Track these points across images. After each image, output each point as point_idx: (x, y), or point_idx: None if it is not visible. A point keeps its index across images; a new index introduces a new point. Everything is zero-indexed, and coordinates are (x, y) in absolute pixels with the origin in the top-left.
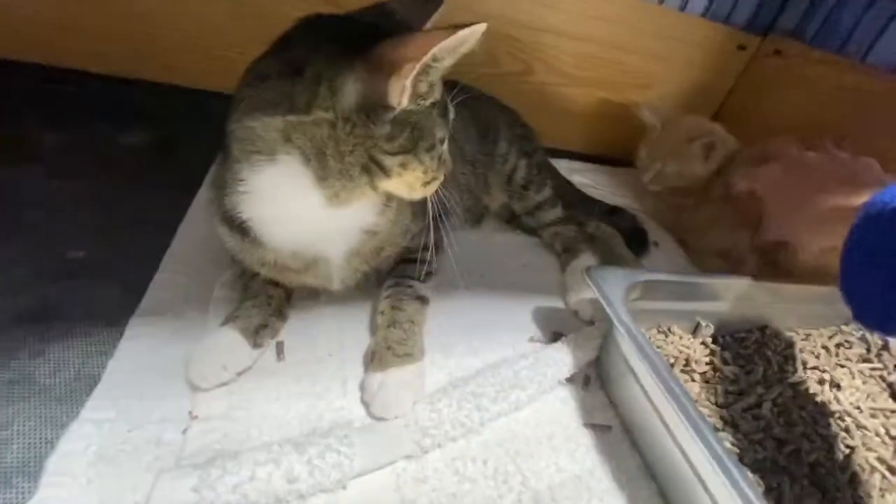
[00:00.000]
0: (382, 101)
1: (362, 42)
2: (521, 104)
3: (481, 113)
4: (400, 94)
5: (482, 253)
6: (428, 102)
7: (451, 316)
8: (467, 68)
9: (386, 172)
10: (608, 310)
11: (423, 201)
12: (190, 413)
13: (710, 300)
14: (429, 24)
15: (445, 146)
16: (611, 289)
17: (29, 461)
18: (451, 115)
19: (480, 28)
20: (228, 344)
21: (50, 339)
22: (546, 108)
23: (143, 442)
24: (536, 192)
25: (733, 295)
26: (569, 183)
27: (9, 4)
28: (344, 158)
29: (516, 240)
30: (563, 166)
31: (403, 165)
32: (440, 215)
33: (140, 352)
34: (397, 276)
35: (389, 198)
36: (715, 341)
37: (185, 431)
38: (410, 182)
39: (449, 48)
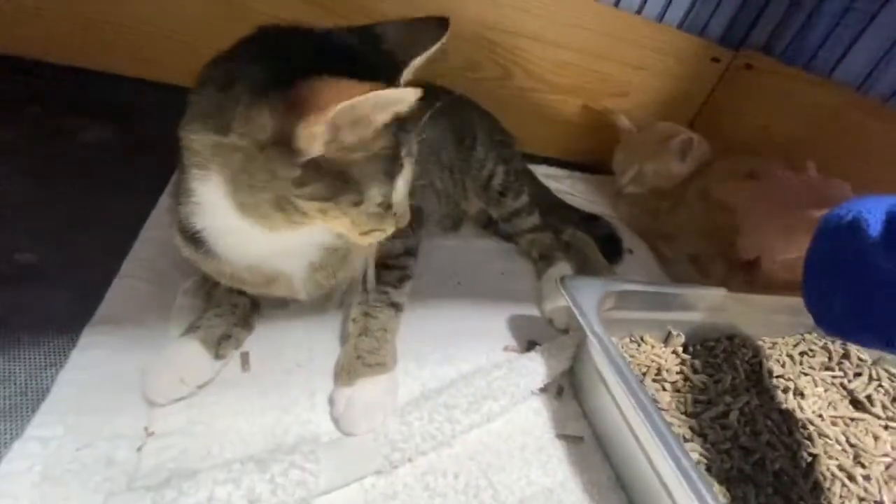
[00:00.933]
0: (292, 144)
1: (306, 70)
2: (500, 109)
3: (460, 118)
4: (311, 141)
5: (459, 259)
6: (358, 155)
7: (426, 323)
8: (447, 71)
9: (305, 215)
10: (581, 320)
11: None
12: (145, 429)
13: (682, 310)
14: (422, 58)
15: (401, 196)
16: (584, 298)
17: None
18: (407, 171)
19: (412, 94)
20: (188, 356)
21: None
22: (524, 114)
23: (93, 461)
24: (514, 199)
25: (706, 305)
26: (546, 190)
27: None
28: (255, 193)
29: (494, 246)
30: (540, 172)
31: (323, 212)
32: (414, 220)
33: (94, 363)
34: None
35: None
36: (686, 350)
37: (139, 449)
38: (341, 230)
39: (365, 106)
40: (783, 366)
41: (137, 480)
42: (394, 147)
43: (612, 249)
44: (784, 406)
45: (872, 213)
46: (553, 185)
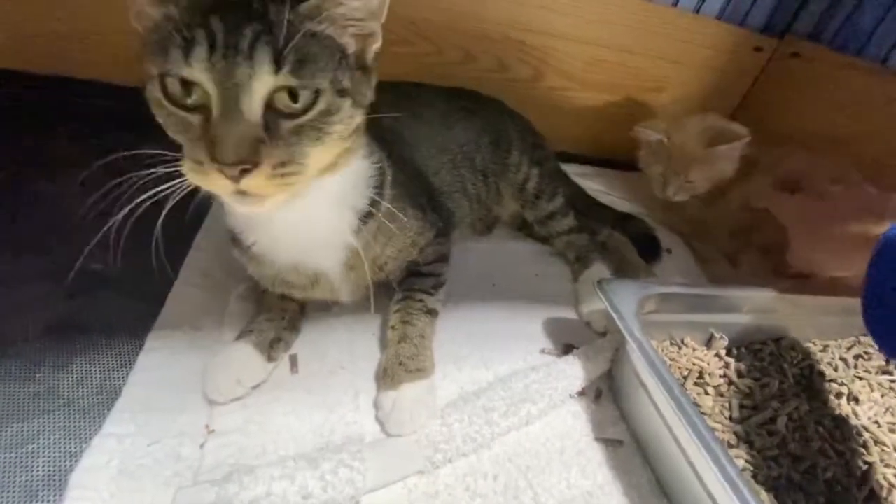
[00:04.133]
0: None
1: None
2: (531, 109)
3: (493, 121)
4: None
5: (494, 262)
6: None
7: (462, 326)
8: (477, 74)
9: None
10: (619, 323)
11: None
12: (206, 427)
13: (726, 312)
14: None
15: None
16: (622, 302)
17: (54, 474)
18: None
19: None
20: (243, 358)
21: (73, 352)
22: (556, 113)
23: (163, 456)
24: (548, 202)
25: (752, 306)
26: (580, 189)
27: (20, 20)
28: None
29: (528, 248)
30: (572, 170)
31: None
32: (446, 226)
33: (159, 365)
34: (406, 289)
35: (366, 217)
36: (729, 353)
37: (202, 446)
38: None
39: None
40: (836, 369)
41: (202, 475)
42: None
43: (649, 249)
44: (837, 412)
45: None
46: (586, 182)
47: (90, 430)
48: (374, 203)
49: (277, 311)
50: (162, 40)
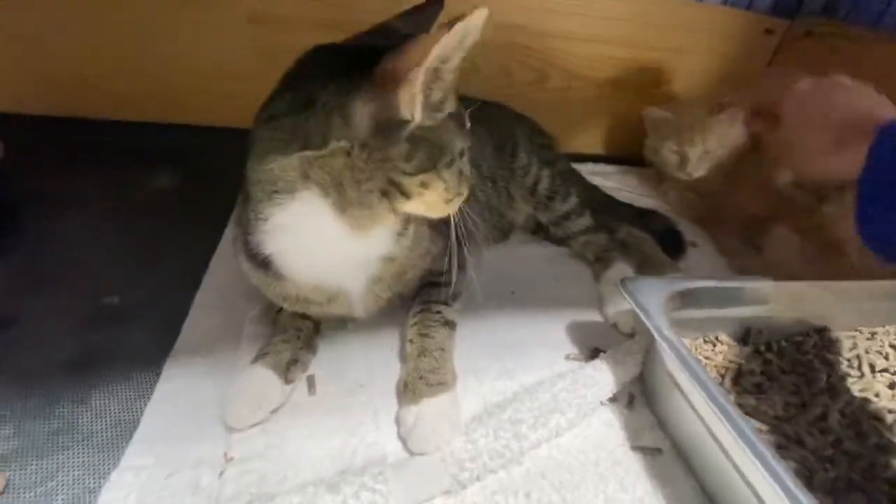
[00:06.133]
0: (395, 117)
1: (367, 63)
2: (538, 113)
3: (498, 126)
4: (411, 105)
5: (510, 268)
6: (444, 114)
7: (481, 337)
8: (480, 81)
9: (406, 194)
10: (647, 322)
11: (444, 221)
12: (225, 455)
13: (759, 304)
14: (433, 29)
15: (466, 160)
16: (648, 299)
17: None
18: (468, 126)
19: (482, 14)
20: (260, 382)
21: (91, 385)
22: (564, 115)
23: (182, 487)
24: (562, 202)
25: (784, 297)
26: (595, 188)
27: (38, 66)
28: (361, 186)
29: (545, 252)
30: (586, 170)
31: (424, 185)
32: (462, 234)
33: (176, 393)
34: (423, 302)
35: (406, 223)
36: (769, 348)
37: (221, 474)
38: (432, 202)
39: (452, 44)
40: (887, 358)
41: None
42: (457, 104)
43: (673, 244)
44: (893, 404)
45: None
46: (601, 181)
47: (108, 464)
48: (406, 223)
49: (293, 332)
50: None
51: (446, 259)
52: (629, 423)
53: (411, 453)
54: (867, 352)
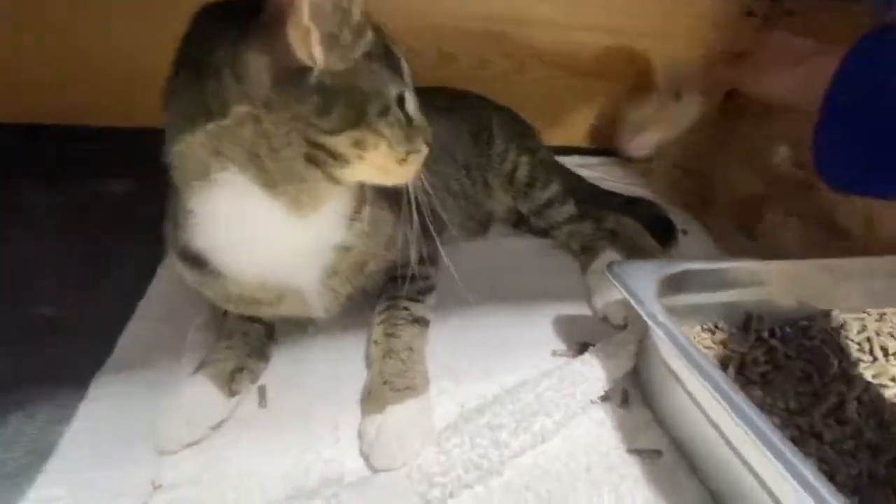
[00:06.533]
0: (294, 64)
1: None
2: (518, 104)
3: (473, 114)
4: (306, 43)
5: (490, 262)
6: (358, 54)
7: (459, 335)
8: (456, 74)
9: (340, 158)
10: (639, 309)
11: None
12: (152, 482)
13: (757, 286)
14: None
15: (413, 107)
16: (640, 285)
17: None
18: (405, 67)
19: None
20: (197, 395)
21: (9, 406)
22: (545, 105)
23: None
24: (542, 189)
25: (783, 278)
26: (579, 178)
27: None
28: (280, 154)
29: (527, 244)
30: (571, 163)
31: (359, 144)
32: (427, 219)
33: (103, 413)
34: (389, 297)
35: (360, 205)
36: (772, 335)
37: None
38: (381, 164)
39: None
40: None
41: None
42: (381, 42)
43: (663, 232)
44: None
45: None
46: (586, 173)
47: (16, 497)
48: (360, 203)
49: (239, 336)
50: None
51: (411, 249)
52: (624, 424)
53: (374, 470)
54: (878, 334)
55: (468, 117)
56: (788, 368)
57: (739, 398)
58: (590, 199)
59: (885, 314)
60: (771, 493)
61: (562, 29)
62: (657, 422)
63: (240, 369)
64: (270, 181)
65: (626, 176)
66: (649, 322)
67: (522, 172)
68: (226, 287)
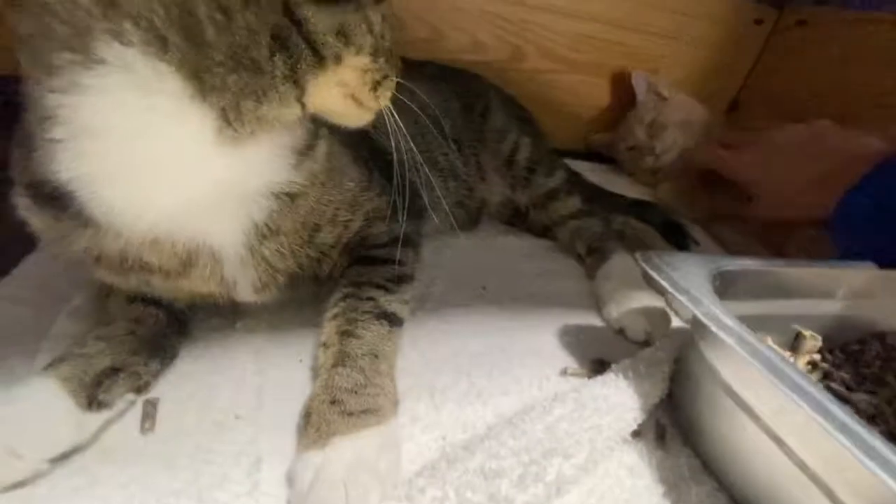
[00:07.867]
0: None
1: None
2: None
3: (466, 85)
4: None
5: (482, 260)
6: None
7: (442, 345)
8: (447, 55)
9: (316, 54)
10: (697, 311)
11: (379, 151)
12: None
13: (815, 298)
14: None
15: (388, 30)
16: (691, 281)
17: None
18: None
19: None
20: (35, 409)
21: None
22: (541, 101)
23: None
24: (546, 176)
25: (848, 290)
26: (581, 177)
27: None
28: (235, 19)
29: (525, 243)
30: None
31: (344, 34)
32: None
33: None
34: (351, 283)
35: (311, 140)
36: (824, 358)
37: None
38: (354, 85)
39: None
40: None
41: None
42: None
43: (674, 238)
44: None
45: None
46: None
47: None
48: (312, 135)
49: (123, 325)
50: None
51: (381, 226)
52: (663, 470)
53: None
54: None
55: (459, 87)
56: (850, 399)
57: (873, 439)
58: (595, 198)
59: None
60: None
61: (563, 17)
62: (705, 468)
63: (114, 371)
64: (202, 68)
65: (628, 186)
66: (713, 327)
67: (524, 155)
68: (100, 242)
